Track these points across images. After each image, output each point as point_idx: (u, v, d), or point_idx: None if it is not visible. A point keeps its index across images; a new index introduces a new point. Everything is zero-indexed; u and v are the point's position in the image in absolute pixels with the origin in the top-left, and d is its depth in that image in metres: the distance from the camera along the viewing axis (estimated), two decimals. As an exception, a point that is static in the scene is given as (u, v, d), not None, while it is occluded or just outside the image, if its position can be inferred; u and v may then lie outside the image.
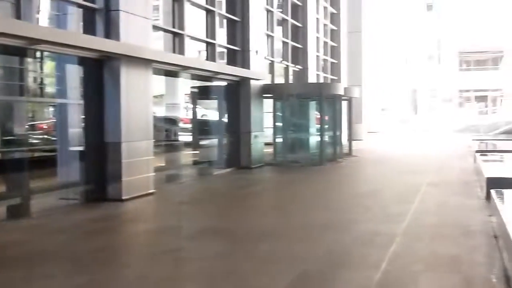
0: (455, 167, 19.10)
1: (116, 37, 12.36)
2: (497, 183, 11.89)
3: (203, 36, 17.88)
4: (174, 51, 15.71)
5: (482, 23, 57.53)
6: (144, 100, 13.29)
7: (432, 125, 51.66)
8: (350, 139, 25.10)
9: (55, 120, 14.94)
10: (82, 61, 12.60)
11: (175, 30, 15.79)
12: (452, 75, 62.02)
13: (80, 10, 12.75)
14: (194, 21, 18.45)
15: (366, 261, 7.50)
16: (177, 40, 15.85)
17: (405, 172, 17.93)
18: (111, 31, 12.44)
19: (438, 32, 55.89)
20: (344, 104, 24.49)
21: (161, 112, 20.13)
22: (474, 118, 52.27)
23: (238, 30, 19.37)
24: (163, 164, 16.84)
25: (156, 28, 15.27)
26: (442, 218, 10.29)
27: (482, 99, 63.92)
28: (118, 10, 12.39)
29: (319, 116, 22.35)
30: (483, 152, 21.20)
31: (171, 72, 15.97)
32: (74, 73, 13.31)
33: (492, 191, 10.63)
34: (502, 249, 7.60)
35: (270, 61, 22.67)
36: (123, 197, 12.41)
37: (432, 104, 63.07)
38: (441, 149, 28.04)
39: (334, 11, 32.06)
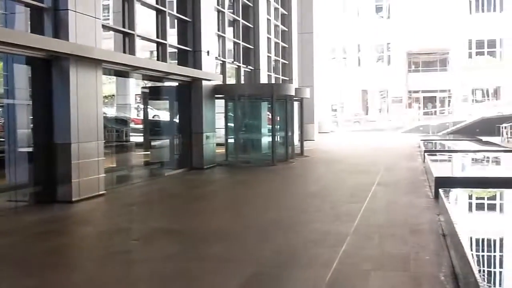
0: (405, 167, 19.43)
1: (65, 37, 12.15)
2: (445, 183, 12.17)
3: (153, 36, 17.73)
4: (124, 51, 15.52)
5: (430, 25, 58.65)
6: (94, 100, 13.10)
7: (383, 126, 52.55)
8: (302, 140, 25.27)
9: (3, 120, 14.59)
10: (30, 61, 12.37)
11: (125, 30, 15.61)
12: (401, 76, 63.10)
13: (28, 9, 12.49)
14: (144, 21, 18.30)
15: (317, 261, 7.56)
16: (128, 40, 15.66)
17: (355, 172, 18.14)
18: (59, 30, 12.23)
19: (387, 33, 56.69)
20: (296, 105, 24.65)
21: (112, 112, 19.86)
22: (423, 118, 53.29)
23: (189, 31, 19.27)
24: (114, 165, 16.64)
25: (106, 27, 15.07)
26: (391, 217, 10.45)
27: (430, 100, 65.24)
28: (67, 9, 12.18)
29: (270, 117, 22.44)
30: (431, 152, 21.67)
31: (121, 72, 15.80)
32: (23, 73, 13.04)
33: (441, 190, 10.88)
34: (450, 247, 7.76)
35: (221, 62, 22.63)
36: (73, 199, 12.22)
37: (382, 105, 64.07)
38: (391, 149, 28.46)
39: (285, 12, 32.20)
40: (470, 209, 10.93)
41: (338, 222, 10.04)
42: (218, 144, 21.10)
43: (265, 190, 15.16)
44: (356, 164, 20.74)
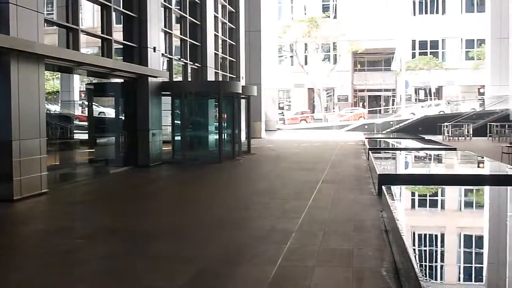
0: (350, 164, 19.69)
1: (5, 31, 11.82)
2: (388, 180, 12.37)
3: (98, 31, 17.46)
4: (68, 47, 15.23)
5: (375, 25, 59.60)
6: (36, 96, 12.80)
7: (329, 124, 53.15)
8: (249, 137, 25.34)
9: None
10: (-32, 56, 12.00)
11: (69, 25, 15.31)
12: (347, 75, 63.95)
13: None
14: (89, 16, 18.02)
15: (262, 258, 7.58)
16: (71, 35, 15.37)
17: (301, 169, 18.29)
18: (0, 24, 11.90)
19: (333, 32, 57.29)
20: (243, 103, 24.68)
21: (55, 109, 19.48)
22: (368, 117, 54.12)
23: (135, 27, 19.05)
24: (57, 163, 16.33)
25: (49, 22, 14.75)
26: (336, 214, 10.57)
27: (375, 98, 66.38)
28: (8, 2, 11.85)
29: (217, 114, 22.40)
30: (375, 149, 22.01)
31: (65, 68, 15.50)
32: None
33: (384, 187, 11.04)
34: (392, 243, 7.90)
35: (168, 59, 22.47)
36: (15, 197, 11.94)
37: (328, 103, 64.79)
38: (336, 147, 28.80)
39: (233, 10, 32.20)
40: (411, 205, 11.14)
41: (283, 219, 10.10)
42: (165, 142, 20.95)
43: (212, 188, 15.12)
44: (302, 162, 20.91)
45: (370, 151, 20.12)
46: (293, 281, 6.66)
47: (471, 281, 6.11)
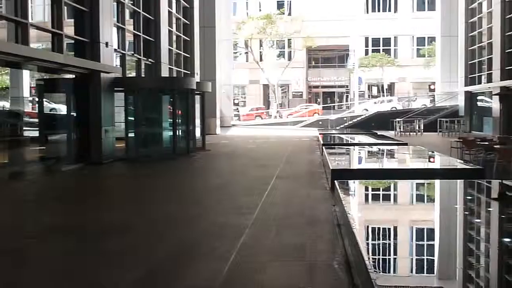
0: (304, 160, 19.82)
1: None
2: (341, 174, 12.52)
3: (49, 26, 17.13)
4: (16, 41, 14.89)
5: (329, 22, 60.08)
6: (-17, 92, 12.50)
7: (283, 120, 53.37)
8: (203, 133, 25.24)
9: None
10: None
11: (18, 19, 14.98)
12: (302, 71, 64.30)
13: None
14: (40, 10, 17.66)
15: (215, 254, 7.57)
16: (20, 30, 15.04)
17: (256, 165, 18.33)
18: None
19: (288, 29, 57.51)
20: (198, 99, 24.57)
21: (4, 105, 19.06)
22: (323, 113, 54.55)
23: (87, 21, 18.75)
24: (6, 161, 15.98)
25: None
26: (289, 209, 10.62)
27: (329, 95, 66.94)
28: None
29: (172, 110, 22.25)
30: (329, 145, 22.24)
31: (14, 63, 15.16)
32: None
33: (336, 182, 11.17)
34: (344, 237, 7.99)
35: (121, 54, 22.21)
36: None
37: (283, 100, 65.04)
38: (291, 142, 28.96)
39: (187, 6, 32.00)
40: (363, 199, 11.29)
41: (237, 214, 10.09)
42: (118, 138, 20.69)
43: (165, 184, 15.01)
44: (256, 158, 20.96)
45: (323, 147, 20.30)
46: (246, 277, 6.66)
47: (423, 273, 6.23)
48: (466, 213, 9.66)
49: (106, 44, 19.20)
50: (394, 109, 49.61)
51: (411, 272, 6.23)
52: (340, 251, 7.42)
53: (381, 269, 6.15)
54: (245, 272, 6.81)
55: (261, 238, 8.37)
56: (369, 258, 5.86)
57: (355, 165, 17.24)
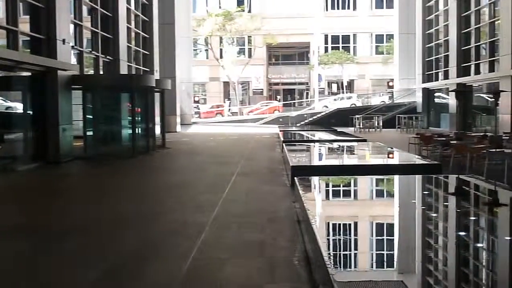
0: (265, 157, 19.84)
1: None
2: (301, 171, 12.58)
3: (4, 22, 16.75)
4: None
5: (289, 19, 60.29)
6: None
7: (244, 117, 53.35)
8: (163, 131, 25.07)
9: None
10: None
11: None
12: (262, 69, 64.38)
13: None
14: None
15: (175, 252, 7.52)
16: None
17: (217, 162, 18.28)
18: None
19: (248, 26, 57.46)
20: (157, 96, 24.38)
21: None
22: (283, 110, 54.70)
23: (43, 18, 18.40)
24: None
25: None
26: (250, 206, 10.62)
27: (290, 92, 67.18)
28: None
29: (131, 108, 22.03)
30: (289, 142, 22.31)
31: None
32: None
33: (296, 179, 11.22)
34: (304, 233, 8.02)
35: (78, 51, 21.88)
36: None
37: (244, 97, 65.03)
38: (251, 139, 28.96)
39: (146, 2, 31.71)
40: (323, 195, 11.36)
41: (197, 212, 10.05)
42: (77, 137, 20.38)
43: (125, 183, 14.84)
44: (217, 155, 20.91)
45: (284, 144, 20.37)
46: (206, 275, 6.63)
47: (383, 267, 6.29)
48: (424, 208, 9.80)
49: (63, 41, 18.88)
50: (353, 105, 50.08)
51: (372, 266, 6.29)
52: (300, 248, 7.44)
53: (342, 264, 6.19)
54: (205, 269, 6.78)
55: (221, 235, 8.34)
56: (330, 254, 5.89)
57: (315, 162, 17.33)
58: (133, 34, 29.25)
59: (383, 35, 61.99)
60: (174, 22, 38.83)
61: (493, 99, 20.66)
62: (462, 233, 7.81)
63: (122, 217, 9.89)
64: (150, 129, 22.45)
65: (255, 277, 6.45)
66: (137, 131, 21.31)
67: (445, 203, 10.41)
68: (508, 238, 7.59)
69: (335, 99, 54.88)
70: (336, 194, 11.88)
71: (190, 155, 21.96)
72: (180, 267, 6.74)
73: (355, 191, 12.48)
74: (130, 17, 28.26)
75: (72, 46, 20.62)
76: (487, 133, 22.26)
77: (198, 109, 56.22)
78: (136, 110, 21.57)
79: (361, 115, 39.98)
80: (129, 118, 21.99)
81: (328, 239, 7.22)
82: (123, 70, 25.66)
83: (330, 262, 5.53)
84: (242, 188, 12.86)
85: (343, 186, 12.73)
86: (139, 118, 22.06)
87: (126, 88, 21.53)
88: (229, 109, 56.81)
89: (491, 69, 29.77)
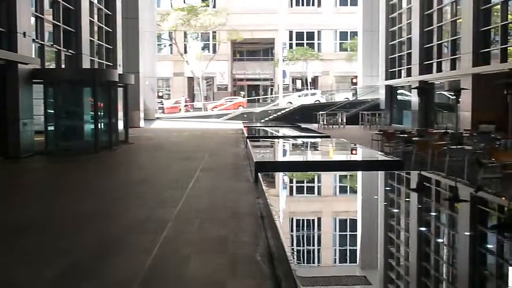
0: (228, 153, 19.81)
1: None
2: (264, 167, 12.57)
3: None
4: None
5: (254, 15, 60.28)
6: None
7: (208, 112, 53.22)
8: (127, 126, 24.81)
9: None
10: None
11: None
12: (227, 64, 64.26)
13: None
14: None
15: (137, 248, 7.45)
16: None
17: (180, 158, 18.18)
18: None
19: (213, 22, 57.26)
20: (120, 91, 24.12)
21: None
22: (248, 106, 54.73)
23: (3, 10, 18.03)
24: None
25: None
26: (213, 202, 10.58)
27: (254, 88, 67.22)
28: None
29: (93, 103, 21.74)
30: (253, 138, 22.32)
31: None
32: None
33: (260, 174, 11.20)
34: (267, 229, 8.01)
35: (40, 45, 21.50)
36: None
37: (208, 92, 64.85)
38: (216, 135, 28.90)
39: (109, -4, 31.36)
40: (287, 191, 11.38)
41: (160, 208, 9.97)
42: (38, 132, 20.04)
43: (86, 179, 14.66)
44: (181, 151, 20.79)
45: (248, 139, 20.35)
46: (168, 271, 6.58)
47: (346, 262, 6.32)
48: (386, 203, 9.89)
49: (24, 34, 18.53)
50: (317, 102, 50.35)
51: (335, 262, 6.32)
52: (263, 243, 7.44)
53: (305, 260, 6.20)
54: (167, 266, 6.72)
55: (184, 231, 8.29)
56: (293, 250, 5.90)
57: (278, 158, 17.36)
58: (96, 28, 28.89)
59: (347, 32, 62.46)
60: (138, 16, 38.49)
61: (454, 97, 20.96)
62: (423, 229, 7.90)
63: (82, 214, 9.73)
64: (113, 124, 22.21)
65: (217, 273, 6.42)
66: (99, 126, 21.04)
67: (406, 199, 10.52)
68: (468, 233, 7.71)
69: (299, 96, 55.08)
70: (299, 190, 11.92)
71: (153, 150, 21.79)
72: (141, 264, 6.68)
73: (319, 187, 12.53)
74: (93, 10, 27.91)
75: (33, 40, 20.26)
76: (448, 130, 22.60)
77: (162, 104, 55.84)
78: (98, 105, 21.30)
79: (325, 112, 40.22)
80: (91, 113, 21.69)
81: (292, 235, 7.23)
82: (86, 65, 25.31)
83: (293, 258, 5.54)
84: (206, 184, 12.81)
85: (306, 182, 12.76)
86: (102, 113, 21.79)
87: (88, 83, 21.22)
88: (185, 105, 56.35)
89: (453, 67, 30.23)
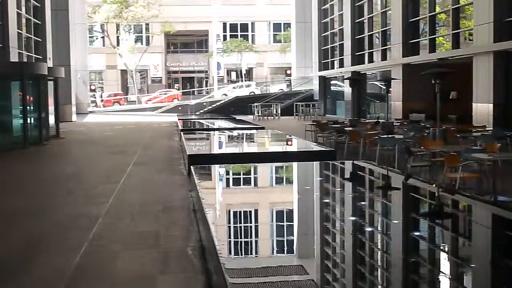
0: (162, 146, 19.62)
1: None
2: (197, 160, 12.48)
3: None
4: None
5: (187, 7, 59.78)
6: None
7: (143, 105, 52.58)
8: (58, 121, 24.20)
9: None
10: None
11: None
12: (160, 57, 63.58)
13: None
14: None
15: (66, 245, 7.27)
16: None
17: (113, 152, 17.87)
18: None
19: (145, 13, 56.44)
20: (51, 85, 23.47)
21: None
22: (182, 98, 54.33)
23: None
24: None
25: None
26: (145, 196, 10.44)
27: (189, 80, 66.77)
28: None
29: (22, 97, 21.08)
30: (188, 131, 22.16)
31: None
32: None
33: (192, 167, 11.11)
34: (199, 222, 7.95)
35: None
36: None
37: (142, 85, 64.04)
38: (150, 128, 28.59)
39: (37, -13, 30.47)
40: (220, 183, 11.33)
41: (91, 204, 9.76)
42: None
43: (14, 175, 14.17)
44: (114, 145, 20.43)
45: (182, 132, 20.20)
46: (97, 267, 6.45)
47: (284, 253, 6.34)
48: (320, 193, 9.98)
49: None
50: (252, 94, 50.43)
51: (272, 253, 6.33)
52: (194, 237, 7.37)
53: (242, 252, 6.20)
54: (96, 262, 6.59)
55: (114, 227, 8.14)
56: (230, 242, 5.87)
57: (212, 150, 17.30)
58: (23, 20, 28.03)
59: (280, 23, 62.68)
60: (68, 8, 37.55)
61: (385, 87, 21.36)
62: (357, 217, 8.00)
63: (9, 211, 9.44)
64: (43, 118, 21.62)
65: (148, 269, 6.32)
66: (29, 121, 20.44)
67: (340, 189, 10.66)
68: (400, 220, 7.86)
69: (234, 87, 55.05)
70: (234, 182, 11.89)
71: (85, 145, 21.35)
72: (70, 261, 6.51)
73: (253, 179, 12.54)
74: (20, 2, 27.07)
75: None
76: (379, 120, 23.01)
77: (95, 98, 54.76)
78: (27, 99, 20.68)
79: (259, 103, 40.31)
80: (20, 107, 21.03)
81: (230, 226, 7.23)
82: (14, 58, 24.53)
83: (223, 251, 5.50)
84: (138, 178, 12.64)
85: (241, 174, 12.75)
86: (31, 108, 21.17)
87: (17, 76, 20.56)
88: (101, 100, 55.14)
89: (384, 57, 30.76)
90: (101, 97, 55.78)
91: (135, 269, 6.37)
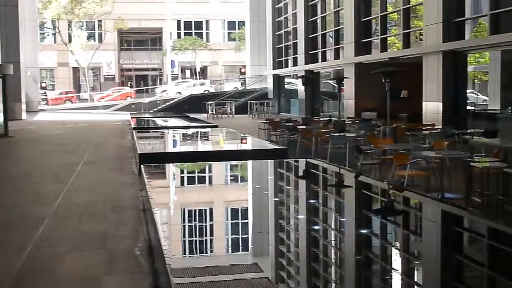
0: (114, 145, 19.34)
1: None
2: (148, 159, 12.35)
3: None
4: None
5: (142, 4, 59.21)
6: None
7: (95, 104, 51.85)
8: (6, 119, 23.61)
9: None
10: None
11: None
12: (114, 54, 62.82)
13: None
14: None
15: (9, 247, 7.06)
16: None
17: (63, 151, 17.52)
18: None
19: (98, 10, 55.62)
20: (-1, 82, 22.92)
21: None
22: (136, 96, 53.78)
23: None
24: None
25: None
26: (94, 196, 10.24)
27: (142, 78, 66.15)
28: None
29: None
30: (140, 129, 21.94)
31: None
32: None
33: (143, 166, 10.99)
34: (148, 222, 7.83)
35: None
36: None
37: (94, 83, 63.17)
38: (102, 127, 28.18)
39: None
40: (171, 182, 11.24)
41: (37, 204, 9.52)
42: None
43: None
44: (64, 144, 20.04)
45: (134, 131, 19.97)
46: (42, 270, 6.27)
47: (239, 251, 6.32)
48: (273, 191, 9.99)
49: None
50: (206, 92, 50.25)
51: (227, 251, 6.30)
52: (143, 237, 7.26)
53: (197, 251, 6.15)
54: (41, 265, 6.40)
55: (61, 227, 7.95)
56: (184, 241, 5.80)
57: (163, 149, 17.14)
58: (-31, 16, 27.29)
59: (235, 21, 62.62)
60: (17, 4, 36.63)
61: (338, 86, 21.52)
62: (310, 215, 8.04)
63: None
64: (-10, 117, 21.10)
65: (94, 270, 6.18)
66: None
67: (292, 186, 10.68)
68: (353, 217, 7.92)
69: (188, 86, 54.76)
70: (185, 181, 11.81)
71: (34, 143, 20.89)
72: (13, 264, 6.31)
73: (205, 178, 12.50)
74: (-35, -4, 26.32)
75: None
76: (332, 118, 23.19)
77: (46, 95, 53.69)
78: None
79: (214, 101, 40.19)
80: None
81: (182, 225, 7.17)
82: (-41, 54, 23.88)
83: (173, 250, 5.45)
84: (88, 177, 12.40)
85: (192, 173, 12.69)
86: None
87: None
88: (44, 99, 53.91)
89: (337, 56, 31.02)
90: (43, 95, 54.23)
91: (80, 270, 6.22)
